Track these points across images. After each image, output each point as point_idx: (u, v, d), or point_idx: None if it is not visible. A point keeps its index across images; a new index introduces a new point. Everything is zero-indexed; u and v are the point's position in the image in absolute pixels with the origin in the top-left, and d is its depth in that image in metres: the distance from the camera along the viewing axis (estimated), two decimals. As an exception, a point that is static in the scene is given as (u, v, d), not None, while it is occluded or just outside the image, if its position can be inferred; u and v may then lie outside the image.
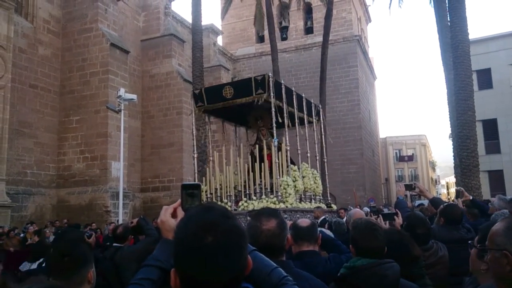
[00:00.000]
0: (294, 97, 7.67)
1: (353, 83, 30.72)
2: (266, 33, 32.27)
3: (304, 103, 8.03)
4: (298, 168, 7.58)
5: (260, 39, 34.09)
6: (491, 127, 25.30)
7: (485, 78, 25.74)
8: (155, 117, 22.44)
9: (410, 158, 54.26)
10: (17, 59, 16.32)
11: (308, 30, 33.04)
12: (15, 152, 16.31)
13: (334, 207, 8.64)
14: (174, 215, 1.56)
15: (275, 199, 6.68)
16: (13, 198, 14.83)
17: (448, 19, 14.65)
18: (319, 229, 2.94)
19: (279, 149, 7.23)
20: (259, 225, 2.03)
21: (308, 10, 33.23)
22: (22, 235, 11.43)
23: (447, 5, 14.87)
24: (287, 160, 7.30)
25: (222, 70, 27.90)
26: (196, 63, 16.59)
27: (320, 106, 9.23)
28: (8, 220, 13.85)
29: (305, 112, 8.02)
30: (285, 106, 7.18)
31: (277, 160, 6.94)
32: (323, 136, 9.31)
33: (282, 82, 7.44)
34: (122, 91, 13.70)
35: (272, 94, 6.80)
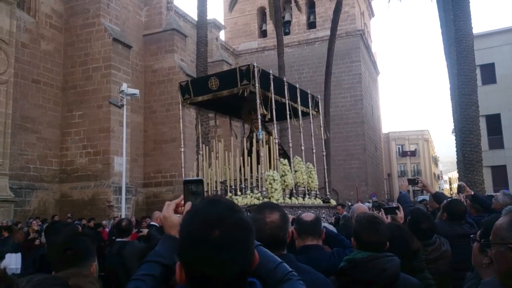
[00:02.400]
0: (285, 87, 7.23)
1: (356, 78, 30.63)
2: (268, 27, 32.22)
3: (298, 94, 7.59)
4: (290, 162, 7.10)
5: (263, 33, 34.00)
6: (494, 122, 25.22)
7: (489, 73, 25.62)
8: (158, 112, 22.44)
9: (413, 153, 54.20)
10: (19, 54, 16.31)
11: (311, 25, 32.90)
12: (18, 147, 16.35)
13: (333, 202, 8.12)
14: (177, 211, 1.55)
15: (259, 194, 6.34)
16: (16, 193, 14.88)
17: (452, 13, 14.57)
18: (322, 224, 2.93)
19: (267, 142, 6.88)
20: (263, 218, 2.03)
21: (311, 5, 33.08)
22: (25, 229, 11.51)
23: (450, -1, 14.81)
24: (279, 154, 7.02)
25: (225, 65, 27.83)
26: (200, 57, 16.52)
27: (319, 97, 8.64)
28: (12, 214, 13.91)
29: (299, 103, 7.57)
30: (272, 97, 6.75)
31: (262, 154, 6.54)
32: (322, 129, 8.80)
33: (271, 72, 7.05)
34: (124, 86, 13.70)
35: (257, 84, 6.40)
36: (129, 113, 16.19)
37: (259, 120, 6.65)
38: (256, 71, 6.42)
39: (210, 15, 19.13)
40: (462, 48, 13.28)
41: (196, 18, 17.54)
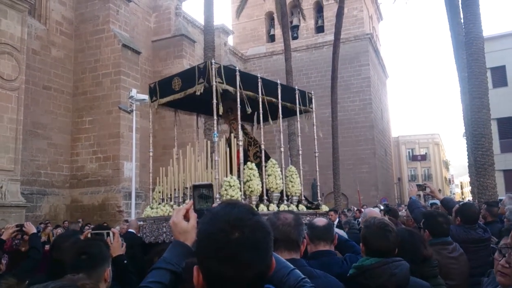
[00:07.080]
0: (259, 84, 6.59)
1: (365, 82, 30.51)
2: (276, 32, 32.27)
3: (279, 91, 6.93)
4: (258, 166, 6.54)
5: (271, 38, 34.06)
6: (506, 125, 24.92)
7: (500, 76, 25.37)
8: (167, 117, 22.46)
9: (423, 157, 53.74)
10: (30, 61, 16.50)
11: (319, 29, 32.89)
12: (29, 152, 16.50)
13: (325, 208, 7.35)
14: (186, 216, 1.53)
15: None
16: (27, 198, 15.00)
17: (461, 16, 14.47)
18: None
19: (229, 144, 6.40)
20: (275, 219, 2.06)
21: (319, 9, 33.10)
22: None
23: (459, 2, 14.68)
24: (257, 157, 6.67)
25: (233, 70, 27.89)
26: (207, 63, 16.58)
27: (312, 93, 7.91)
28: (23, 220, 13.99)
29: (279, 100, 6.90)
30: (238, 95, 6.26)
31: (216, 158, 6.10)
32: (314, 127, 8.15)
33: (237, 68, 6.57)
34: (134, 92, 13.81)
35: (214, 82, 5.94)
36: (138, 119, 16.28)
37: (215, 121, 6.18)
38: (214, 69, 6.01)
39: (218, 21, 19.20)
40: (473, 50, 13.14)
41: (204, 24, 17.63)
